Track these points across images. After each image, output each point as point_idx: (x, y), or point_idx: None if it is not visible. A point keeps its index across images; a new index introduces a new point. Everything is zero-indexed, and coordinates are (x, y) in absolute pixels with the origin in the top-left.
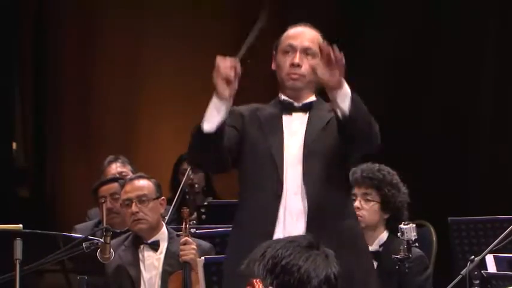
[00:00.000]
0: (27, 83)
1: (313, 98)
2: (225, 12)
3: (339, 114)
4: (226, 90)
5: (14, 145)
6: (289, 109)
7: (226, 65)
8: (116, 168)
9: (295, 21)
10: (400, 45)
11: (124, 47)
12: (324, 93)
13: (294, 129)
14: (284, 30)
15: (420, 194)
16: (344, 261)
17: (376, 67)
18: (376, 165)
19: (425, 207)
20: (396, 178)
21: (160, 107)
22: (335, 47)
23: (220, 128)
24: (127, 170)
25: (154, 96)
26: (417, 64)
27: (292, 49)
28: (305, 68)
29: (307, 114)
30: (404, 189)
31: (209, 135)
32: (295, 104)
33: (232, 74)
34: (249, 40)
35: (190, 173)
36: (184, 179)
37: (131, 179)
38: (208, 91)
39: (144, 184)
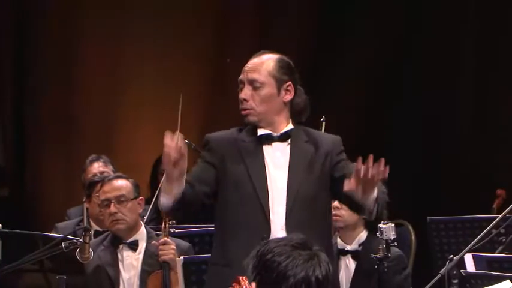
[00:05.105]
0: (6, 81)
1: (290, 126)
2: (206, 13)
3: (364, 208)
4: (174, 172)
5: None
6: (269, 139)
7: (171, 149)
8: (97, 167)
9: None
10: (379, 49)
11: (106, 47)
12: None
13: (278, 162)
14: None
15: (399, 193)
16: None
17: (357, 70)
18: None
19: (404, 206)
20: None
21: (141, 107)
22: (369, 162)
23: (179, 198)
24: (108, 169)
25: (135, 96)
26: (397, 64)
27: (242, 84)
28: (253, 101)
29: (288, 145)
30: (383, 188)
31: (171, 207)
32: (274, 134)
33: (177, 156)
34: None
35: None
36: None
37: (109, 179)
38: (189, 92)
39: (122, 184)
